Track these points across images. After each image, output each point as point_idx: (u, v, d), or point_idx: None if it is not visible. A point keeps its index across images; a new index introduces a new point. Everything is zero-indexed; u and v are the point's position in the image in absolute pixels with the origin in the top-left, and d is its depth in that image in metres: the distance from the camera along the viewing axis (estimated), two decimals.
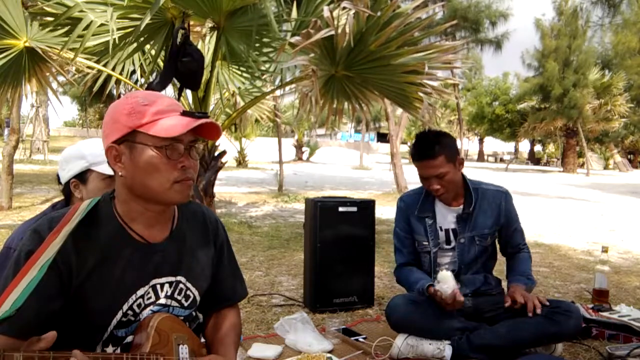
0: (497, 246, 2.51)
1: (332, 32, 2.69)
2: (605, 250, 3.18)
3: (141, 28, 2.53)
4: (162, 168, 1.10)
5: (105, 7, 2.69)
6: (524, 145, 44.94)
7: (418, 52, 3.05)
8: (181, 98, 3.16)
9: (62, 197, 1.66)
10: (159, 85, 2.84)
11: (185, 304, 1.26)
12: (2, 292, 1.00)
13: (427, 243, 2.40)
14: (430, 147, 2.23)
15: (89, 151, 1.54)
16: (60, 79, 3.92)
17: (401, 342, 2.21)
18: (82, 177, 1.56)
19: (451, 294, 2.08)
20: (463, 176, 2.38)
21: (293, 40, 2.77)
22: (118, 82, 3.79)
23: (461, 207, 2.36)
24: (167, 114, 1.11)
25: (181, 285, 1.24)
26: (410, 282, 2.34)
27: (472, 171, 19.06)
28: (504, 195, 2.41)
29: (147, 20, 2.48)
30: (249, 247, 4.82)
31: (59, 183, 1.64)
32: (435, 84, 3.15)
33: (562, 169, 26.60)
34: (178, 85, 3.13)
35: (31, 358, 0.89)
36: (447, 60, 3.13)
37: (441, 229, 2.39)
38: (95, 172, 1.54)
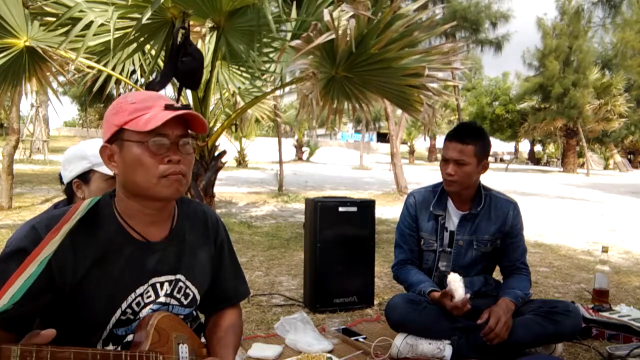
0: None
1: (333, 36, 2.69)
2: (605, 250, 3.18)
3: (140, 25, 2.53)
4: (146, 163, 1.11)
5: (106, 6, 2.68)
6: (524, 146, 44.97)
7: (418, 55, 3.05)
8: (180, 98, 3.15)
9: (63, 197, 1.66)
10: (159, 85, 2.84)
11: (185, 302, 1.26)
12: None
13: (434, 241, 2.40)
14: (466, 134, 2.27)
15: (91, 151, 1.54)
16: (61, 78, 3.91)
17: (400, 342, 2.21)
18: (85, 177, 1.56)
19: (463, 299, 2.09)
20: (479, 182, 2.38)
21: (293, 43, 2.77)
22: (118, 82, 3.79)
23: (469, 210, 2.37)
24: (150, 109, 1.11)
25: (180, 284, 1.25)
26: (411, 283, 2.34)
27: None
28: (512, 205, 2.40)
29: (146, 17, 2.47)
30: (249, 247, 4.83)
31: (62, 183, 1.63)
32: (435, 85, 3.15)
33: (562, 169, 26.60)
34: (177, 85, 3.13)
35: (29, 352, 0.89)
36: (447, 62, 3.12)
37: (446, 230, 2.39)
38: (97, 173, 1.54)
